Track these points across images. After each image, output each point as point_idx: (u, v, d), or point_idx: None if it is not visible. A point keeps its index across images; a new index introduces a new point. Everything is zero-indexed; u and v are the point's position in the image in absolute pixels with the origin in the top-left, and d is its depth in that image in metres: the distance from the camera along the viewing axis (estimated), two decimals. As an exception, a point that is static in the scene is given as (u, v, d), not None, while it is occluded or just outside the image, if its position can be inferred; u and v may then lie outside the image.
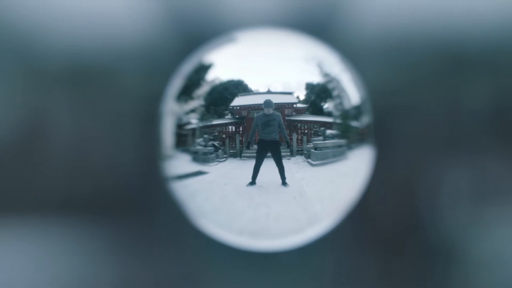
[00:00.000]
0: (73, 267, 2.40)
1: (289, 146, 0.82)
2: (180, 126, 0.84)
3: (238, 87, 0.82)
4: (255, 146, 0.82)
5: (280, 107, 0.82)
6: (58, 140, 2.40)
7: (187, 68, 0.86)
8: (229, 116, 0.82)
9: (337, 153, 0.84)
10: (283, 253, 2.16)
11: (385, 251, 2.42)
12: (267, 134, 0.82)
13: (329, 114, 0.84)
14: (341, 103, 0.85)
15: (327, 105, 0.84)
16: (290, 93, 0.82)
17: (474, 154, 2.35)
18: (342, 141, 0.84)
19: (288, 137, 0.82)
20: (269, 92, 0.82)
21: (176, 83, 0.86)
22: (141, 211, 2.43)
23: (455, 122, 2.34)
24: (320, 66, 0.85)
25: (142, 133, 2.41)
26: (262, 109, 0.82)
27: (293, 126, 0.82)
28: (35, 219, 2.40)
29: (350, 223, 2.41)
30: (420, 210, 2.40)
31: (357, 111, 0.86)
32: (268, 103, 0.81)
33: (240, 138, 0.82)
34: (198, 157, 0.83)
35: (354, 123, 0.86)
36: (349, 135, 0.85)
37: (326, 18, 2.34)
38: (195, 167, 0.84)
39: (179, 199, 0.86)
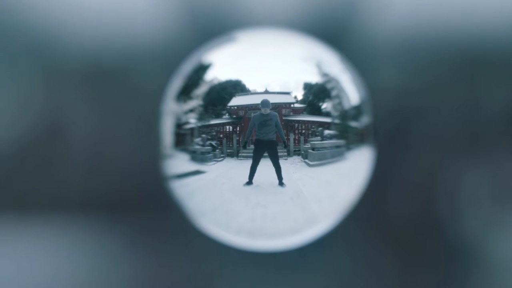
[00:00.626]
0: (91, 264, 2.42)
1: (286, 146, 0.82)
2: (179, 125, 0.85)
3: (236, 87, 0.82)
4: (252, 146, 0.82)
5: (278, 107, 0.82)
6: (76, 139, 2.42)
7: (187, 67, 0.87)
8: (226, 116, 0.83)
9: (335, 154, 0.84)
10: (294, 253, 2.16)
11: (402, 252, 2.40)
12: (264, 134, 0.82)
13: (327, 114, 0.84)
14: (340, 103, 0.85)
15: (325, 105, 0.84)
16: (288, 93, 0.82)
17: (491, 155, 2.33)
18: (340, 142, 0.84)
19: (285, 137, 0.82)
20: (266, 92, 0.82)
21: (176, 83, 0.87)
22: (159, 209, 2.44)
23: (472, 123, 2.32)
24: (319, 66, 0.84)
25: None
26: (259, 109, 0.82)
27: (290, 126, 0.82)
28: (54, 217, 2.42)
29: (366, 223, 2.40)
30: (439, 210, 2.39)
31: (356, 111, 0.86)
32: (265, 103, 0.81)
33: (237, 138, 0.82)
34: (196, 157, 0.83)
35: (353, 124, 0.85)
36: (348, 136, 0.84)
37: (340, 20, 2.33)
38: (193, 166, 0.84)
39: (178, 198, 0.86)
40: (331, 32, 2.32)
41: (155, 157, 0.88)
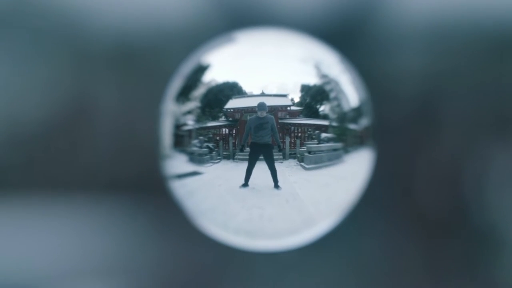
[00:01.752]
0: (118, 244, 2.45)
1: (281, 150, 0.82)
2: (178, 126, 0.85)
3: (233, 89, 0.82)
4: (248, 149, 0.82)
5: (274, 110, 0.82)
6: (104, 119, 2.44)
7: (186, 68, 0.87)
8: (223, 118, 0.83)
9: (333, 157, 0.83)
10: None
11: (430, 237, 2.39)
12: (260, 137, 0.82)
13: (324, 116, 0.83)
14: (338, 105, 0.84)
15: (323, 108, 0.83)
16: (285, 95, 0.82)
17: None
18: (338, 145, 0.84)
19: (281, 141, 0.82)
20: (263, 94, 0.82)
21: (176, 83, 0.87)
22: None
23: (500, 108, 2.29)
24: (318, 67, 0.84)
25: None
26: (256, 112, 0.82)
27: (286, 129, 0.82)
28: (82, 198, 2.45)
29: (396, 210, 2.39)
30: (467, 196, 2.36)
31: (355, 113, 0.85)
32: (261, 106, 0.81)
33: (233, 141, 0.83)
34: (194, 158, 0.84)
35: (352, 126, 0.85)
36: (346, 138, 0.84)
37: (362, 3, 2.31)
38: (191, 167, 0.84)
39: (178, 197, 0.87)
40: (353, 15, 2.30)
41: (156, 156, 0.89)
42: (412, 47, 2.34)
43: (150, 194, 2.44)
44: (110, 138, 2.44)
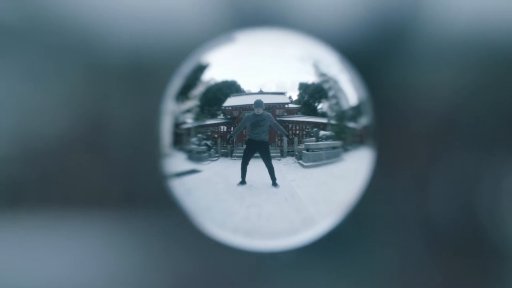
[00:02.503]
0: (134, 260, 2.45)
1: (288, 137, 0.81)
2: (177, 125, 0.85)
3: (231, 88, 0.82)
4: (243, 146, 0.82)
5: (271, 107, 0.82)
6: (119, 135, 2.45)
7: (186, 67, 0.87)
8: (221, 116, 0.83)
9: (331, 155, 0.83)
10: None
11: (446, 251, 2.37)
12: (257, 134, 0.82)
13: (323, 114, 0.83)
14: (337, 104, 0.84)
15: (321, 106, 0.83)
16: (283, 93, 0.82)
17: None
18: (337, 143, 0.83)
19: (278, 138, 0.82)
20: (261, 92, 0.82)
21: (176, 83, 0.87)
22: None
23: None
24: (316, 66, 0.84)
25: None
26: (253, 109, 0.82)
27: (284, 126, 0.82)
28: (96, 213, 2.46)
29: (411, 222, 2.38)
30: (485, 209, 2.34)
31: (354, 112, 0.85)
32: (258, 103, 0.81)
33: (231, 138, 0.83)
34: (192, 156, 0.84)
35: (351, 124, 0.84)
36: (345, 137, 0.84)
37: (397, 17, 2.31)
38: (190, 165, 0.84)
39: (177, 196, 0.87)
40: (392, 30, 2.31)
41: (156, 155, 0.89)
42: (440, 62, 2.33)
43: (165, 209, 2.44)
44: (124, 153, 2.45)
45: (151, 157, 2.51)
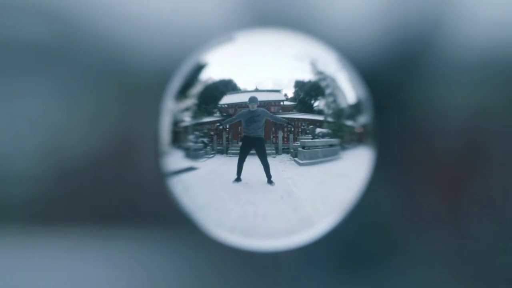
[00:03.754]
0: (162, 277, 2.45)
1: (292, 126, 0.81)
2: (175, 123, 0.86)
3: (228, 86, 0.82)
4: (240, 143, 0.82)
5: (266, 104, 0.81)
6: (149, 152, 2.47)
7: (185, 67, 0.88)
8: (217, 113, 0.83)
9: (328, 153, 0.82)
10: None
11: (479, 269, 2.33)
12: (252, 130, 0.82)
13: (319, 112, 0.82)
14: (334, 101, 0.83)
15: (318, 103, 0.82)
16: (278, 91, 0.82)
17: None
18: (334, 140, 0.83)
19: (273, 135, 0.82)
20: (257, 90, 0.82)
21: (175, 82, 0.88)
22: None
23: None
24: (313, 64, 0.83)
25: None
26: (248, 107, 0.82)
27: (278, 124, 0.82)
28: (126, 230, 2.47)
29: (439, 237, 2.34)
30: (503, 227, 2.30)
31: (352, 110, 0.84)
32: (252, 99, 0.81)
33: (227, 136, 0.83)
34: (189, 153, 0.84)
35: (349, 122, 0.84)
36: (343, 135, 0.83)
37: (426, 33, 2.30)
38: (187, 163, 0.85)
39: (175, 194, 0.87)
40: (409, 48, 2.30)
41: (155, 154, 0.89)
42: (463, 80, 2.31)
43: (192, 226, 2.44)
44: (154, 170, 2.46)
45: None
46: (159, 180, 2.67)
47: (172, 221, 2.48)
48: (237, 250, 0.87)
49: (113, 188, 2.48)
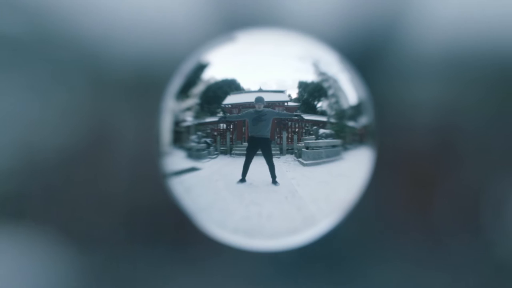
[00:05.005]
0: (137, 272, 2.44)
1: (301, 117, 0.81)
2: (177, 123, 0.85)
3: (231, 86, 0.82)
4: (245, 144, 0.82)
5: (271, 105, 0.82)
6: (123, 147, 2.46)
7: (186, 66, 0.87)
8: (221, 114, 0.83)
9: (331, 153, 0.83)
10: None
11: (448, 267, 2.36)
12: (258, 130, 0.82)
13: (322, 113, 0.83)
14: (336, 102, 0.84)
15: (321, 104, 0.83)
16: (282, 92, 0.82)
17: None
18: (336, 141, 0.83)
19: (277, 136, 0.82)
20: (260, 90, 0.82)
21: (176, 81, 0.87)
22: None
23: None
24: (316, 65, 0.84)
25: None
26: (254, 107, 0.82)
27: (283, 124, 0.82)
28: (100, 226, 2.45)
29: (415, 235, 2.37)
30: (485, 225, 2.33)
31: (354, 111, 0.85)
32: (258, 99, 0.82)
33: (231, 136, 0.83)
34: (192, 154, 0.84)
35: (351, 123, 0.84)
36: (345, 135, 0.84)
37: (387, 31, 2.31)
38: (189, 163, 0.84)
39: (176, 195, 0.87)
40: (371, 46, 2.31)
41: (155, 154, 0.89)
42: (427, 76, 2.33)
43: (169, 222, 2.43)
44: (129, 165, 2.45)
45: (155, 170, 2.51)
46: (133, 175, 2.65)
47: (147, 216, 2.47)
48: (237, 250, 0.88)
49: (86, 184, 2.46)
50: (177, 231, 2.43)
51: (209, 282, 2.37)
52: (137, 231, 2.47)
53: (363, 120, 0.85)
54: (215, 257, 2.35)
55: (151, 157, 2.47)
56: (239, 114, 0.81)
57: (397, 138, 2.34)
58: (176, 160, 0.85)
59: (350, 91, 0.85)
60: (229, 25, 2.31)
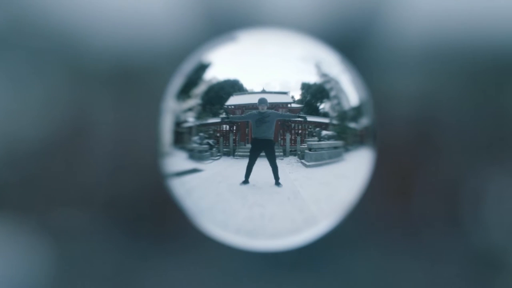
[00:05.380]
0: (115, 264, 2.43)
1: (304, 117, 0.81)
2: (178, 124, 0.85)
3: (234, 87, 0.82)
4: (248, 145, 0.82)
5: (274, 106, 0.82)
6: (102, 138, 2.44)
7: (187, 66, 0.87)
8: (224, 115, 0.83)
9: (333, 155, 0.83)
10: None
11: (427, 257, 2.38)
12: (261, 132, 0.82)
13: (325, 114, 0.83)
14: (338, 104, 0.84)
15: (323, 106, 0.83)
16: (285, 93, 0.82)
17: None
18: (338, 143, 0.83)
19: (281, 137, 0.82)
20: (264, 91, 0.82)
21: (177, 82, 0.87)
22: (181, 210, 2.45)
23: (499, 129, 2.30)
24: (318, 66, 0.84)
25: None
26: (257, 108, 0.82)
27: (286, 126, 0.82)
28: (78, 217, 2.44)
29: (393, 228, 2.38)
30: (463, 217, 2.36)
31: (355, 112, 0.85)
32: (262, 100, 0.81)
33: (234, 137, 0.82)
34: (194, 155, 0.83)
35: (352, 125, 0.84)
36: (347, 137, 0.84)
37: (367, 24, 2.32)
38: (191, 164, 0.84)
39: (177, 196, 0.87)
40: (350, 38, 2.32)
41: (155, 155, 0.89)
42: (406, 69, 2.35)
43: (149, 212, 2.43)
44: (107, 156, 2.44)
45: (134, 160, 2.50)
46: (112, 165, 2.64)
47: (126, 207, 2.46)
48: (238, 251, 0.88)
49: (66, 174, 2.44)
50: (158, 222, 2.42)
51: (188, 272, 2.37)
52: (116, 223, 2.46)
53: (364, 121, 0.86)
54: (195, 248, 2.35)
55: (129, 147, 2.46)
56: (242, 115, 0.81)
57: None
58: (178, 161, 0.85)
59: (352, 92, 0.85)
60: (211, 19, 2.30)
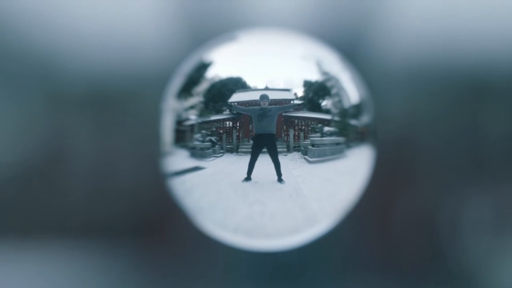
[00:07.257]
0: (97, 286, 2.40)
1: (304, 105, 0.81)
2: (179, 122, 0.85)
3: (237, 84, 0.82)
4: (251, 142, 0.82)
5: (277, 103, 0.82)
6: (79, 163, 2.42)
7: (187, 66, 0.87)
8: (226, 112, 0.83)
9: (335, 151, 0.84)
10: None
11: (405, 278, 2.39)
12: (263, 127, 0.82)
13: (327, 111, 0.84)
14: (339, 101, 0.85)
15: (325, 103, 0.84)
16: (288, 90, 0.82)
17: (494, 183, 2.33)
18: (340, 139, 0.84)
19: (284, 133, 0.82)
20: (266, 88, 0.82)
21: (177, 81, 0.87)
22: (162, 234, 2.43)
23: (477, 151, 2.32)
24: (319, 64, 0.85)
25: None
26: (259, 105, 0.82)
27: (290, 122, 0.82)
28: (55, 242, 2.41)
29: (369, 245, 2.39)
30: (442, 239, 2.37)
31: (355, 110, 0.86)
32: (263, 96, 0.82)
33: (237, 134, 0.82)
34: (196, 153, 0.83)
35: (353, 121, 0.85)
36: (348, 133, 0.84)
37: (350, 44, 2.35)
38: (193, 162, 0.84)
39: (177, 195, 0.86)
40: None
41: (155, 156, 0.88)
42: (389, 92, 2.37)
43: (127, 238, 2.40)
44: (86, 181, 2.41)
45: (113, 185, 2.48)
46: (90, 189, 2.61)
47: (104, 233, 2.43)
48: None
49: (43, 199, 2.41)
50: (136, 249, 2.40)
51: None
52: (94, 247, 2.42)
53: (364, 119, 0.87)
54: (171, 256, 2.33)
55: (107, 170, 2.44)
56: (245, 109, 0.81)
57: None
58: (178, 159, 0.84)
59: (352, 90, 0.86)
60: (193, 37, 2.30)
